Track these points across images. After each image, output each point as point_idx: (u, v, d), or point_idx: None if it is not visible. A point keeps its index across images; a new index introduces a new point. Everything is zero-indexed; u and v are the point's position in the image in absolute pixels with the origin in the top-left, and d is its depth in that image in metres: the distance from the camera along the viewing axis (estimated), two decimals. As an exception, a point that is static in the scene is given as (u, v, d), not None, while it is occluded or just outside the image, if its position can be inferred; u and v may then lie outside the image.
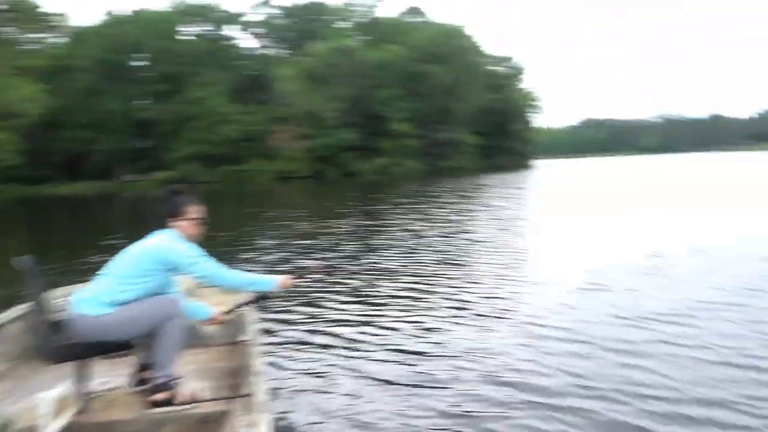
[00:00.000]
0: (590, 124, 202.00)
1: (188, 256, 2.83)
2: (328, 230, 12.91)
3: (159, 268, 2.79)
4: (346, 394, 3.70)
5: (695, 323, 4.83)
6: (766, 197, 15.86)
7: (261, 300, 3.18)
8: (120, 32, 58.72)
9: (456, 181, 34.98)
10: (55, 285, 3.93)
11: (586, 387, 3.63)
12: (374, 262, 8.60)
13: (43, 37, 53.76)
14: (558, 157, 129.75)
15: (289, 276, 3.12)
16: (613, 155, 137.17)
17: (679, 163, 57.91)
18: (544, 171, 53.05)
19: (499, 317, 5.31)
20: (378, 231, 12.39)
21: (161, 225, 2.97)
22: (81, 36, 60.10)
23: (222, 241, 11.34)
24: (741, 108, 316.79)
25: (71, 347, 2.64)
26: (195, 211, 3.00)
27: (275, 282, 3.00)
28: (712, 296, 5.70)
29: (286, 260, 8.99)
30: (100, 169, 56.86)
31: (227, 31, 68.82)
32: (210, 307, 3.18)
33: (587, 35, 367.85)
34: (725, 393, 3.44)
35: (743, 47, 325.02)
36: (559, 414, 3.28)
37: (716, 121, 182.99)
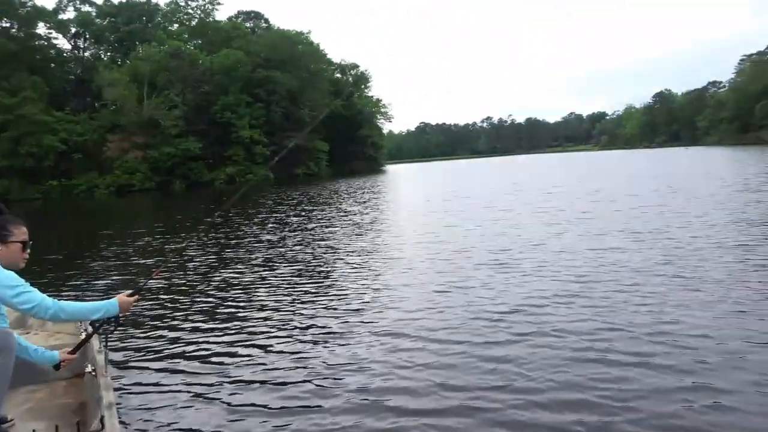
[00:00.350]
0: (427, 129, 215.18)
1: (9, 285, 2.46)
2: (175, 246, 11.81)
3: None
4: (208, 428, 3.37)
5: (549, 318, 5.08)
6: (565, 200, 17.69)
7: (105, 327, 2.83)
8: None
9: (310, 188, 34.72)
10: None
11: (455, 398, 3.55)
12: (228, 278, 7.98)
13: None
14: (404, 161, 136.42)
15: (127, 293, 2.82)
16: (452, 158, 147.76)
17: (500, 164, 63.88)
18: (395, 175, 55.06)
19: (363, 329, 5.13)
20: (230, 244, 11.61)
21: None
22: None
23: (45, 267, 9.82)
24: (551, 113, 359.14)
25: None
26: (16, 233, 2.66)
27: (115, 305, 2.67)
28: (556, 288, 6.11)
29: (127, 284, 7.97)
30: None
31: (40, 29, 60.83)
32: (53, 351, 2.84)
33: (412, 44, 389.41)
34: (586, 391, 3.53)
35: (543, 57, 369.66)
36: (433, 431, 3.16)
37: (532, 125, 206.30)
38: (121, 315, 2.72)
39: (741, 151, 49.68)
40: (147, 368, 4.41)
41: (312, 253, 9.79)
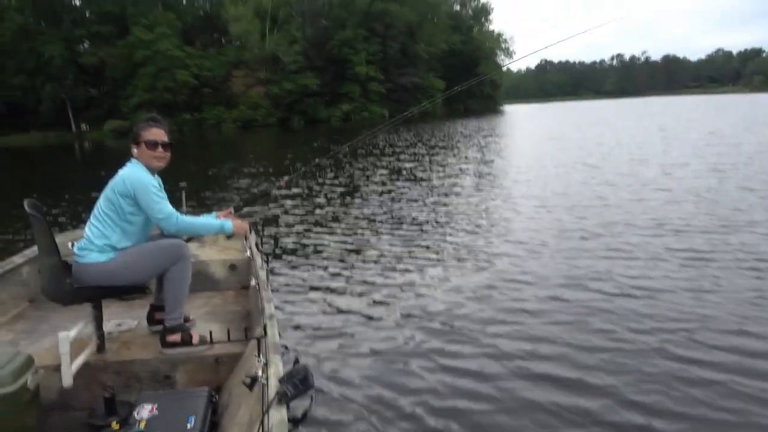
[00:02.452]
0: (548, 67, 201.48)
1: (148, 189, 2.70)
2: (295, 188, 11.55)
3: (130, 202, 2.72)
4: (354, 337, 3.91)
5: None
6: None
7: (265, 253, 3.66)
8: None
9: (425, 128, 33.62)
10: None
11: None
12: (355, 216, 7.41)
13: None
14: (522, 102, 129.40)
15: (233, 216, 3.23)
16: (576, 100, 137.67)
17: (634, 106, 57.73)
18: (515, 117, 52.04)
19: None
20: (347, 191, 11.02)
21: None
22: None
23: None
24: (692, 49, 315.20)
25: (83, 290, 2.68)
26: (142, 134, 2.84)
27: (229, 227, 2.94)
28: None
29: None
30: (49, 118, 53.09)
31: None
32: (225, 220, 3.00)
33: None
34: None
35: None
36: None
37: (669, 64, 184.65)
38: (237, 233, 3.00)
39: None
40: (301, 285, 5.16)
41: (427, 209, 8.73)
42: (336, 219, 8.20)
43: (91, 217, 2.80)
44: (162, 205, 2.72)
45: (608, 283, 4.75)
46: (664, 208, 7.65)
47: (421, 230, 7.21)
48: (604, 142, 18.61)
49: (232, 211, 3.30)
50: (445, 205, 8.94)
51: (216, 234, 2.99)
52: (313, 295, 4.88)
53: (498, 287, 4.81)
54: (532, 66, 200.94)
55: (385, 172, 13.56)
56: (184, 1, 64.32)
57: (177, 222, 2.74)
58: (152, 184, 2.75)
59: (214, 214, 3.19)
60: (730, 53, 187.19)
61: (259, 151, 25.91)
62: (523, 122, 40.26)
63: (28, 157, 31.79)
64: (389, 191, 10.56)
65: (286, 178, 3.96)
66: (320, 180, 12.48)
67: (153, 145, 2.84)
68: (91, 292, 2.71)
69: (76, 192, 12.66)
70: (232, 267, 3.97)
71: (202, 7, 66.08)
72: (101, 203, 2.77)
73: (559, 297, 4.49)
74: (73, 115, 55.40)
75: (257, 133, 43.47)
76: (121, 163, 2.86)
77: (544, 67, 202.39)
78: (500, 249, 6.11)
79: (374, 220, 7.94)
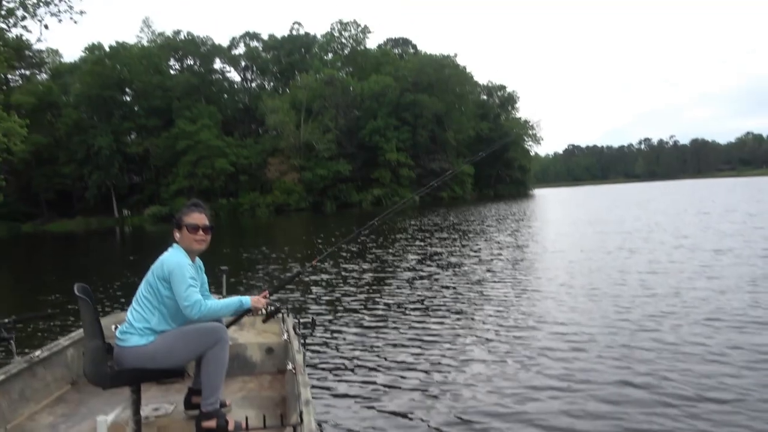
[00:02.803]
0: (576, 152, 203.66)
1: (183, 277, 2.74)
2: (328, 270, 11.42)
3: (167, 286, 2.76)
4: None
5: None
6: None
7: (303, 331, 3.38)
8: (106, 68, 57.96)
9: (455, 212, 33.66)
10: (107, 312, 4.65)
11: None
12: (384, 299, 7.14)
13: (25, 74, 53.53)
14: (551, 186, 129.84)
15: (269, 299, 3.19)
16: (606, 183, 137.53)
17: (668, 190, 57.00)
18: (545, 200, 51.90)
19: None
20: (379, 278, 10.87)
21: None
22: (62, 70, 59.66)
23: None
24: (719, 133, 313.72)
25: (123, 373, 2.69)
26: (185, 219, 2.92)
27: (247, 303, 2.97)
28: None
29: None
30: (93, 204, 55.70)
31: (216, 65, 68.40)
32: (243, 297, 3.03)
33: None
34: None
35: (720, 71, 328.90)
36: None
37: (698, 147, 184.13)
38: (257, 310, 3.07)
39: None
40: (337, 369, 5.18)
41: (457, 295, 8.60)
42: (368, 306, 8.01)
43: (133, 301, 2.84)
44: (189, 293, 2.73)
45: (669, 390, 4.29)
46: (718, 299, 7.16)
47: (457, 321, 6.89)
48: (641, 227, 18.13)
49: (267, 295, 3.23)
50: (480, 293, 8.62)
51: (237, 312, 3.01)
52: (348, 383, 4.81)
53: (543, 394, 4.39)
54: (560, 150, 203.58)
55: (416, 257, 13.37)
56: (226, 95, 68.50)
57: (200, 310, 2.74)
58: (188, 270, 2.78)
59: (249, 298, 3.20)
60: (760, 136, 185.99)
61: (291, 235, 26.17)
62: (554, 206, 40.02)
63: (72, 241, 32.87)
64: (421, 277, 10.32)
65: (315, 261, 3.93)
66: (353, 266, 12.35)
67: (194, 228, 2.92)
68: (131, 375, 2.72)
69: (115, 275, 12.79)
70: (269, 350, 3.93)
71: (241, 101, 70.15)
72: (142, 287, 2.83)
73: (615, 412, 3.98)
74: (117, 201, 57.89)
75: (290, 217, 44.28)
76: (158, 248, 2.89)
77: (572, 151, 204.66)
78: (543, 344, 5.72)
79: (407, 309, 7.68)
